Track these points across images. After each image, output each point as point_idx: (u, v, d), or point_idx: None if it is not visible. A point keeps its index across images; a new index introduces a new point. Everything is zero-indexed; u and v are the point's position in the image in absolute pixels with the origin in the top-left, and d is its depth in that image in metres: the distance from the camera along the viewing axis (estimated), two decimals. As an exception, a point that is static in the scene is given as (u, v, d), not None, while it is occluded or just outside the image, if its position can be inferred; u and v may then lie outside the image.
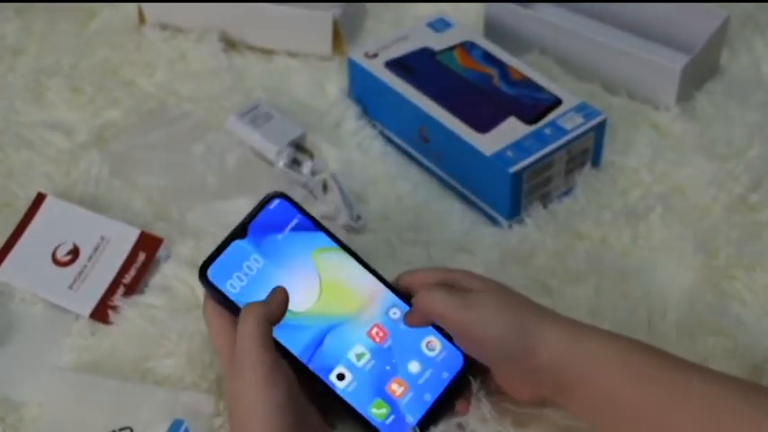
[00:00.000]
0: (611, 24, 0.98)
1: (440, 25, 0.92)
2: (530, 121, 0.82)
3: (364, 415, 0.63)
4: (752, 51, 0.98)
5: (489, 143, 0.80)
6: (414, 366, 0.65)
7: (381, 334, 0.66)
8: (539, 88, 0.85)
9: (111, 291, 0.75)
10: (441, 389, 0.65)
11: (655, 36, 0.96)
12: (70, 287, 0.76)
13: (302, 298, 0.65)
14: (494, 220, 0.82)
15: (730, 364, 0.69)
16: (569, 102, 0.83)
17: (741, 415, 0.56)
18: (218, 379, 0.69)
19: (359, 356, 0.65)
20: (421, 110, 0.84)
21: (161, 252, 0.78)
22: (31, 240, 0.78)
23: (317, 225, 0.68)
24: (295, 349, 0.64)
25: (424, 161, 0.87)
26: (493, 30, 0.97)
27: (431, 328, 0.66)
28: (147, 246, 0.78)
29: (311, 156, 0.86)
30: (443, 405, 0.65)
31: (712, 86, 0.94)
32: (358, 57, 0.89)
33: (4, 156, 0.87)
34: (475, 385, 0.65)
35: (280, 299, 0.62)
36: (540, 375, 0.61)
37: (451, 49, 0.90)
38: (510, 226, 0.81)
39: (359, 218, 0.81)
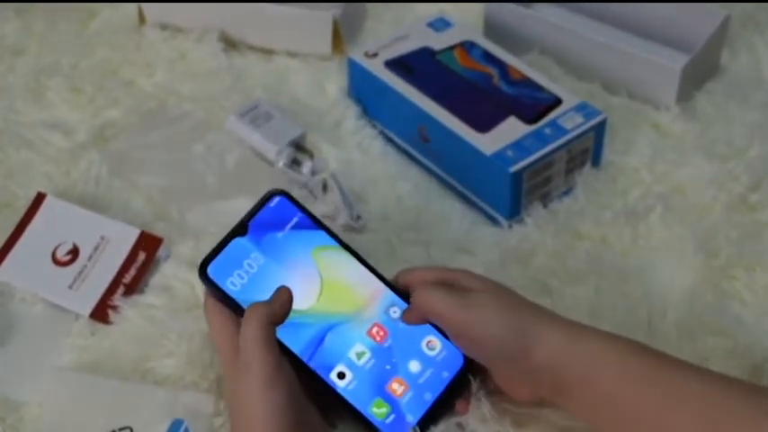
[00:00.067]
0: (611, 24, 0.98)
1: (440, 25, 0.92)
2: (530, 120, 0.82)
3: (365, 414, 0.63)
4: (752, 51, 0.98)
5: (489, 143, 0.80)
6: (414, 366, 0.65)
7: (382, 333, 0.66)
8: (539, 88, 0.85)
9: (111, 290, 0.75)
10: (441, 388, 0.65)
11: (655, 36, 0.96)
12: (70, 287, 0.76)
13: (303, 296, 0.65)
14: (494, 220, 0.82)
15: (730, 364, 0.69)
16: (569, 101, 0.83)
17: (740, 416, 0.56)
18: (218, 379, 0.69)
19: (359, 355, 0.65)
20: (421, 109, 0.84)
21: (161, 252, 0.78)
22: (30, 240, 0.78)
23: (317, 223, 0.68)
24: (296, 347, 0.64)
25: (424, 161, 0.87)
26: (493, 29, 0.97)
27: (431, 327, 0.66)
28: (147, 245, 0.78)
29: (311, 156, 0.86)
30: (443, 405, 0.65)
31: (712, 86, 0.94)
32: (358, 56, 0.89)
33: (4, 155, 0.87)
34: (474, 385, 0.65)
35: (283, 299, 0.62)
36: (539, 375, 0.61)
37: (451, 48, 0.90)
38: (510, 226, 0.81)
39: (359, 218, 0.81)
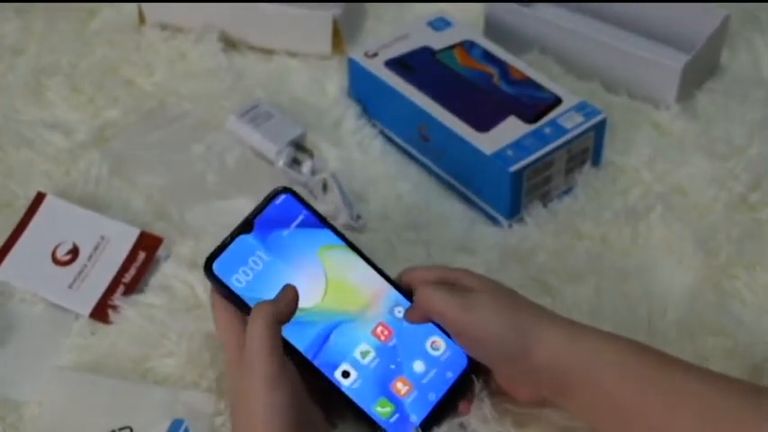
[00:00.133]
0: (611, 23, 0.98)
1: (440, 24, 0.92)
2: (530, 120, 0.82)
3: (369, 413, 0.63)
4: (752, 50, 0.98)
5: (489, 142, 0.80)
6: (418, 366, 0.65)
7: (386, 332, 0.66)
8: (539, 87, 0.85)
9: (110, 290, 0.75)
10: (445, 389, 0.65)
11: (655, 35, 0.96)
12: (70, 287, 0.76)
13: (308, 294, 0.65)
14: (494, 220, 0.82)
15: (730, 364, 0.69)
16: (569, 101, 0.83)
17: (740, 416, 0.56)
18: (218, 378, 0.69)
19: (364, 354, 0.65)
20: (421, 109, 0.84)
21: (161, 252, 0.78)
22: (30, 240, 0.78)
23: (323, 222, 0.68)
24: (301, 345, 0.64)
25: (424, 160, 0.87)
26: (493, 29, 0.97)
27: (436, 327, 0.66)
28: (147, 245, 0.78)
29: (311, 155, 0.86)
30: (447, 405, 0.65)
31: (712, 85, 0.94)
32: (358, 56, 0.89)
33: (3, 155, 0.87)
34: (478, 385, 0.65)
35: (289, 297, 0.62)
36: (539, 375, 0.61)
37: (451, 48, 0.90)
38: (510, 225, 0.81)
39: (359, 217, 0.81)
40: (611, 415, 0.59)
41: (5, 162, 0.87)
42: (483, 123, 0.81)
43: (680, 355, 0.61)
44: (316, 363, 0.64)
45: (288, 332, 0.63)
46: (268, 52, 0.98)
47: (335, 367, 0.64)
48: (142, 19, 1.00)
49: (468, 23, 0.94)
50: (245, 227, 0.66)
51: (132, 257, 0.77)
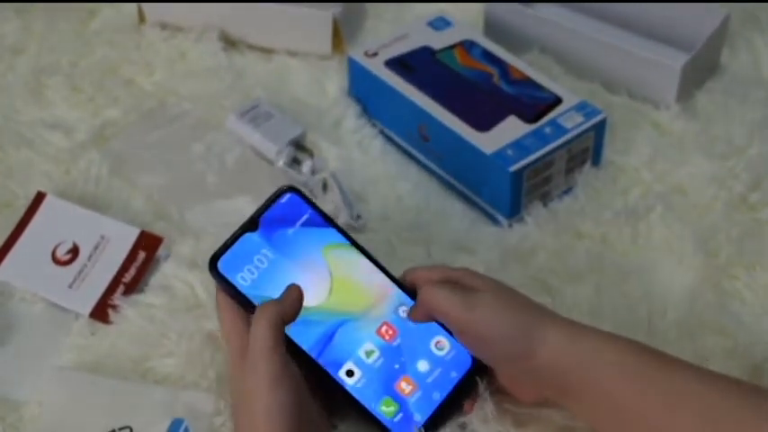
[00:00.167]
0: (611, 23, 0.98)
1: (440, 24, 0.92)
2: (530, 119, 0.82)
3: (373, 412, 0.63)
4: (752, 50, 0.98)
5: (489, 142, 0.80)
6: (422, 365, 0.65)
7: (391, 332, 0.66)
8: (539, 87, 0.85)
9: (110, 290, 0.75)
10: (449, 388, 0.65)
11: (655, 35, 0.96)
12: (70, 286, 0.76)
13: (313, 293, 0.65)
14: (494, 219, 0.82)
15: (730, 364, 0.69)
16: (569, 100, 0.83)
17: (740, 417, 0.56)
18: (218, 378, 0.69)
19: (368, 353, 0.65)
20: (421, 109, 0.84)
21: (161, 251, 0.78)
22: (30, 239, 0.78)
23: (327, 221, 0.68)
24: (305, 344, 0.64)
25: (424, 160, 0.87)
26: (493, 28, 0.97)
27: (440, 327, 0.66)
28: (147, 245, 0.78)
29: (311, 155, 0.86)
30: (451, 405, 0.65)
31: (712, 85, 0.94)
32: (358, 56, 0.89)
33: (3, 155, 0.87)
34: (481, 386, 0.65)
35: (293, 297, 0.62)
36: (542, 376, 0.61)
37: (451, 47, 0.90)
38: (510, 225, 0.81)
39: (359, 217, 0.81)
40: (612, 415, 0.59)
41: (5, 162, 0.87)
42: (483, 123, 0.81)
43: (680, 355, 0.61)
44: (320, 362, 0.64)
45: (292, 331, 0.63)
46: (268, 52, 0.98)
47: (340, 366, 0.64)
48: (142, 18, 1.00)
49: (468, 23, 0.94)
50: (251, 225, 0.66)
51: (132, 257, 0.77)
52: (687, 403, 0.57)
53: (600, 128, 0.83)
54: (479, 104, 0.84)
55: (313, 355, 0.64)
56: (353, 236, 0.69)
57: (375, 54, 0.89)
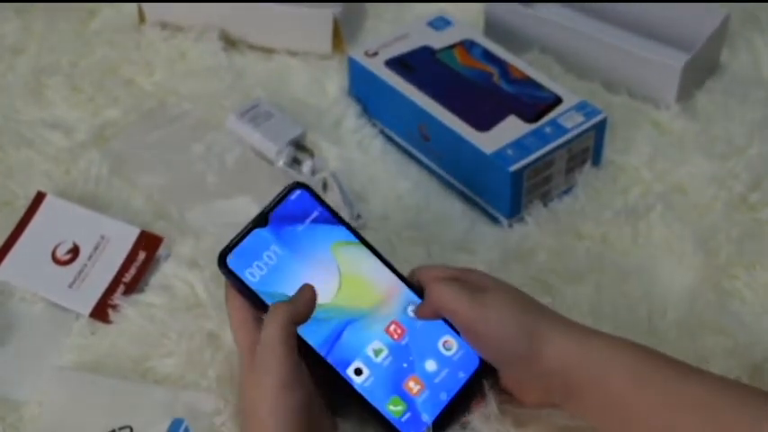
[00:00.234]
0: (611, 23, 0.98)
1: (440, 24, 0.92)
2: (530, 119, 0.82)
3: (381, 411, 0.63)
4: (752, 50, 0.98)
5: (489, 142, 0.80)
6: (430, 365, 0.65)
7: (399, 331, 0.66)
8: (539, 87, 0.85)
9: (111, 290, 0.75)
10: (456, 388, 0.65)
11: (655, 34, 0.96)
12: (70, 286, 0.76)
13: (322, 291, 0.64)
14: (494, 219, 0.82)
15: (730, 364, 0.69)
16: (569, 100, 0.83)
17: (746, 424, 0.55)
18: (218, 378, 0.69)
19: (377, 352, 0.65)
20: (421, 108, 0.84)
21: (161, 251, 0.78)
22: (30, 239, 0.78)
23: (337, 218, 0.68)
24: (314, 342, 0.63)
25: (425, 160, 0.87)
26: (493, 28, 0.97)
27: (448, 327, 0.66)
28: (147, 245, 0.78)
29: (311, 154, 0.86)
30: (458, 405, 0.65)
31: (712, 85, 0.94)
32: (358, 55, 0.89)
33: (3, 155, 0.87)
34: (487, 386, 0.65)
35: (307, 297, 0.62)
36: (549, 379, 0.61)
37: (451, 47, 0.90)
38: (510, 225, 0.81)
39: (359, 217, 0.81)
40: (620, 420, 0.59)
41: (5, 162, 0.87)
42: (483, 123, 0.81)
43: (680, 354, 0.61)
44: (329, 360, 0.63)
45: (302, 328, 0.62)
46: (268, 51, 0.98)
47: (348, 364, 0.64)
48: (142, 18, 1.00)
49: (468, 23, 0.94)
50: (260, 221, 0.66)
51: (132, 257, 0.77)
52: (692, 408, 0.57)
53: (600, 128, 0.83)
54: (479, 104, 0.84)
55: (322, 353, 0.63)
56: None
57: (375, 54, 0.89)
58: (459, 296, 0.62)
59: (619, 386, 0.59)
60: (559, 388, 0.61)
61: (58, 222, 0.79)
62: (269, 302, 0.63)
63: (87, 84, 0.94)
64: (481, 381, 0.65)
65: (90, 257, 0.77)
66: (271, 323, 0.59)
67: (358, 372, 0.64)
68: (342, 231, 0.67)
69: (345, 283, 0.66)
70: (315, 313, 0.63)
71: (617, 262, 0.78)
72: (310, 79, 0.95)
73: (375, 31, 1.01)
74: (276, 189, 0.68)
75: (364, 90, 0.90)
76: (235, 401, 0.67)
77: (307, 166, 0.84)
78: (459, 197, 0.84)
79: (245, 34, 0.99)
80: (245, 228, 0.65)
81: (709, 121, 0.89)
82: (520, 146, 0.79)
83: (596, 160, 0.85)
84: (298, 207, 0.67)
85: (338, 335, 0.64)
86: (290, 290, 0.64)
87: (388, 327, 0.66)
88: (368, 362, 0.64)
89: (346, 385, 0.63)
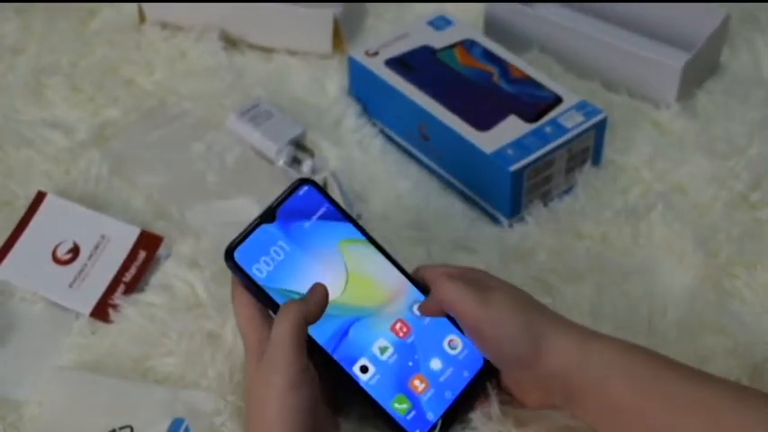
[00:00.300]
0: (611, 23, 0.98)
1: (440, 23, 0.92)
2: (530, 119, 0.82)
3: (387, 409, 0.63)
4: (752, 49, 0.98)
5: (489, 141, 0.80)
6: (435, 364, 0.65)
7: (405, 329, 0.66)
8: (539, 86, 0.85)
9: (111, 289, 0.75)
10: (461, 387, 0.65)
11: (655, 34, 0.96)
12: (70, 286, 0.76)
13: (329, 287, 0.64)
14: (494, 219, 0.82)
15: (730, 364, 0.69)
16: (570, 100, 0.83)
17: (747, 427, 0.55)
18: (218, 377, 0.69)
19: (382, 350, 0.65)
20: (421, 108, 0.84)
21: (161, 251, 0.78)
22: (31, 239, 0.78)
23: (344, 215, 0.68)
24: (320, 338, 0.63)
25: (425, 159, 0.87)
26: (493, 28, 0.97)
27: (453, 326, 0.66)
28: (148, 244, 0.78)
29: (311, 154, 0.86)
30: (463, 404, 0.65)
31: (713, 84, 0.94)
32: (358, 55, 0.89)
33: (3, 154, 0.87)
34: (490, 386, 0.65)
35: (319, 297, 0.62)
36: (550, 381, 0.61)
37: (452, 47, 0.90)
38: (510, 224, 0.81)
39: (359, 216, 0.81)
40: (621, 422, 0.59)
41: (5, 162, 0.87)
42: (483, 122, 0.81)
43: (680, 355, 0.61)
44: (335, 357, 0.63)
45: None
46: (268, 51, 0.98)
47: (354, 362, 0.64)
48: (142, 18, 1.00)
49: (468, 22, 0.94)
50: (268, 216, 0.65)
51: (133, 256, 0.77)
52: (693, 411, 0.57)
53: (600, 127, 0.83)
54: (480, 104, 0.84)
55: (328, 349, 0.63)
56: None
57: (375, 53, 0.89)
58: (465, 293, 0.62)
59: (619, 390, 0.59)
60: (560, 390, 0.61)
61: (59, 222, 0.79)
62: (276, 298, 0.63)
63: (87, 83, 0.94)
64: (484, 381, 0.65)
65: (90, 257, 0.77)
66: (282, 321, 0.59)
67: (364, 369, 0.64)
68: (349, 228, 0.67)
69: (352, 280, 0.66)
70: None
71: (617, 262, 0.78)
72: (310, 79, 0.95)
73: (375, 31, 1.01)
74: (276, 189, 0.68)
75: (364, 90, 0.90)
76: (235, 401, 0.67)
77: (307, 165, 0.84)
78: (459, 197, 0.84)
79: (245, 34, 0.99)
80: (252, 223, 0.65)
81: (709, 120, 0.89)
82: (520, 145, 0.79)
83: (596, 160, 0.85)
84: (305, 203, 0.67)
85: (345, 332, 0.64)
86: (297, 286, 0.64)
87: (394, 325, 0.66)
88: (374, 359, 0.64)
89: (352, 382, 0.63)
